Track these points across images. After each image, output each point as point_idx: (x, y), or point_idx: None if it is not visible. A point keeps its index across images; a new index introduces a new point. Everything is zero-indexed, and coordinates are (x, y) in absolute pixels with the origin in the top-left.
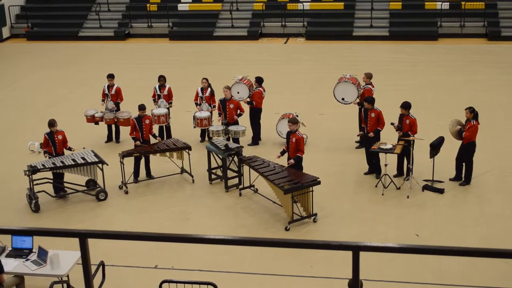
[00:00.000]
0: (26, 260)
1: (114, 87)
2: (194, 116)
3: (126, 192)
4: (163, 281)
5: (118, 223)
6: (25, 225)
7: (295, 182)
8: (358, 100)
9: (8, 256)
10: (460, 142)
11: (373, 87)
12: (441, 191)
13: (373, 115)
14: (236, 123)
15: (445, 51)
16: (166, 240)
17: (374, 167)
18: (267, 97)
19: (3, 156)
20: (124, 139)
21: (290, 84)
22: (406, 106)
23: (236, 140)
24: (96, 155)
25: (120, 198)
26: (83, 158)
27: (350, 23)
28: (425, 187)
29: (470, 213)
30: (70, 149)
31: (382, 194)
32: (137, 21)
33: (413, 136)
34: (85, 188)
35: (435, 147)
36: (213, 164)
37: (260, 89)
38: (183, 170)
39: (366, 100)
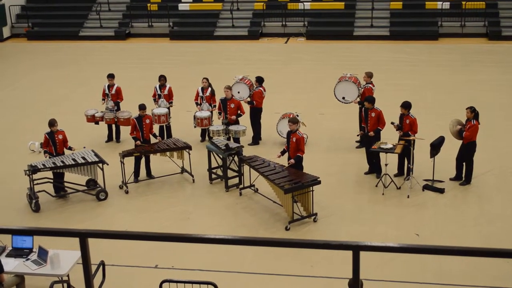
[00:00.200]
0: (26, 260)
1: (115, 87)
2: (194, 115)
3: (127, 192)
4: (163, 281)
5: (118, 222)
6: (25, 224)
7: (296, 182)
8: (358, 99)
9: (8, 255)
10: (460, 141)
11: (373, 86)
12: (441, 190)
13: (373, 114)
14: (237, 122)
15: (446, 51)
16: (166, 240)
17: (374, 167)
18: (268, 97)
19: (3, 156)
20: (124, 138)
21: (291, 84)
22: (406, 105)
23: (236, 140)
24: (96, 154)
25: (121, 197)
26: (84, 158)
27: (350, 23)
28: (426, 187)
29: (470, 213)
30: (70, 148)
31: (383, 194)
32: (137, 20)
33: (414, 135)
34: (85, 187)
35: (436, 146)
36: (214, 164)
37: (261, 88)
38: (183, 170)
39: (366, 99)
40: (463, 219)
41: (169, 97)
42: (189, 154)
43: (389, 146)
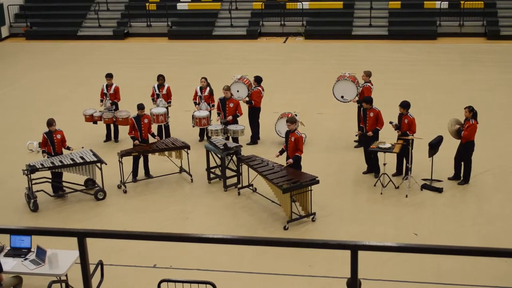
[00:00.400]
0: (25, 260)
1: (113, 87)
2: (193, 115)
3: (125, 192)
4: (162, 281)
5: (116, 222)
6: (24, 224)
7: (294, 181)
8: (357, 98)
9: (6, 255)
10: (458, 141)
11: (372, 85)
12: (439, 190)
13: (372, 114)
14: (235, 122)
15: (444, 50)
16: (165, 240)
17: (372, 166)
18: (266, 96)
19: (1, 156)
20: (123, 138)
21: (289, 84)
22: (405, 105)
23: (235, 140)
24: (94, 154)
25: (119, 197)
26: (82, 158)
27: (349, 22)
28: (424, 186)
29: (469, 212)
30: (68, 148)
31: (381, 193)
32: (136, 20)
33: (412, 135)
34: (83, 187)
35: (434, 146)
36: (212, 164)
37: (259, 88)
38: (182, 170)
39: (364, 100)
40: (462, 219)
41: (168, 96)
42: (188, 153)
43: (388, 145)
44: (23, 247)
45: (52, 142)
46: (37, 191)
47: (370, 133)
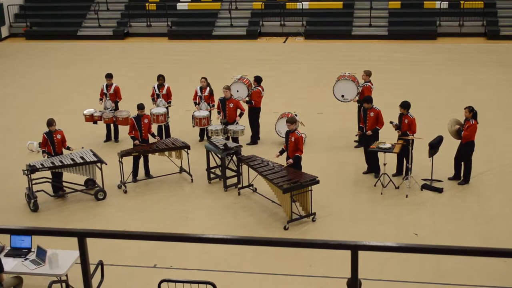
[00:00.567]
0: (25, 260)
1: (113, 86)
2: (193, 115)
3: (125, 192)
4: (162, 281)
5: (117, 222)
6: (24, 224)
7: (294, 182)
8: (357, 98)
9: (7, 255)
10: (459, 141)
11: (372, 84)
12: (440, 190)
13: (372, 114)
14: (235, 122)
15: (444, 50)
16: (165, 240)
17: (372, 166)
18: (266, 96)
19: (2, 156)
20: (123, 138)
21: (289, 84)
22: (405, 105)
23: (235, 140)
24: (95, 154)
25: (119, 197)
26: (82, 158)
27: (349, 22)
28: (424, 186)
29: (469, 212)
30: (68, 148)
31: (381, 194)
32: (136, 20)
33: (412, 135)
34: (84, 187)
35: (434, 146)
36: (212, 164)
37: (259, 88)
38: (182, 170)
39: (364, 100)
40: (462, 219)
41: (168, 96)
42: (188, 153)
43: (388, 145)
44: (24, 247)
45: (52, 142)
46: (37, 191)
47: (369, 132)
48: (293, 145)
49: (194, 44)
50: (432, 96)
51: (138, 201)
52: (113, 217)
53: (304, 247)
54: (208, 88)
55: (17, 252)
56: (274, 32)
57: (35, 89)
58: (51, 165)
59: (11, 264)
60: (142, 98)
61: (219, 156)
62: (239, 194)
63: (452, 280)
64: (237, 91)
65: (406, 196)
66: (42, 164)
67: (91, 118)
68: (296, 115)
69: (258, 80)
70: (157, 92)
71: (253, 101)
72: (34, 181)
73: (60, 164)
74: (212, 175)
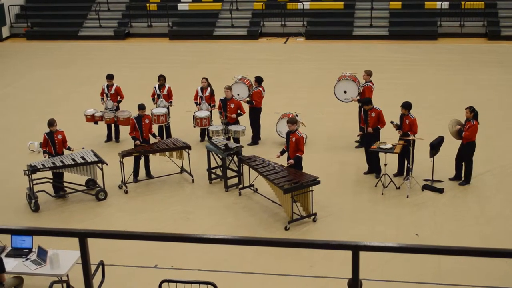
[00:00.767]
0: (26, 260)
1: (114, 87)
2: (193, 115)
3: (126, 192)
4: (163, 281)
5: (117, 222)
6: (25, 224)
7: (295, 182)
8: (358, 97)
9: (7, 255)
10: (459, 141)
11: (373, 84)
12: (440, 190)
13: (373, 114)
14: (236, 122)
15: (445, 51)
16: (166, 240)
17: (373, 166)
18: (267, 97)
19: (2, 156)
20: (123, 138)
21: (290, 84)
22: (406, 106)
23: (236, 140)
24: (95, 154)
25: (120, 197)
26: (83, 158)
27: (350, 23)
28: (425, 187)
29: (469, 213)
30: (69, 148)
31: (382, 194)
32: (137, 20)
33: (413, 136)
34: (84, 187)
35: (435, 146)
36: (213, 164)
37: (260, 88)
38: (182, 170)
39: (364, 102)
40: (463, 219)
41: (169, 97)
42: (189, 154)
43: (389, 146)
44: (24, 247)
45: (53, 143)
46: (38, 191)
47: (370, 130)
48: (294, 145)
49: (195, 44)
50: (433, 96)
51: (139, 201)
52: (114, 217)
53: (305, 248)
54: (209, 89)
55: (18, 252)
56: (275, 33)
57: (36, 89)
58: (52, 165)
59: (12, 264)
60: (143, 98)
61: (220, 156)
62: (240, 194)
63: (453, 281)
64: (238, 94)
65: (407, 197)
66: (43, 164)
67: (92, 119)
68: (297, 115)
69: (259, 80)
70: (158, 92)
71: (254, 102)
72: (35, 181)
73: (61, 164)
74: (213, 176)
